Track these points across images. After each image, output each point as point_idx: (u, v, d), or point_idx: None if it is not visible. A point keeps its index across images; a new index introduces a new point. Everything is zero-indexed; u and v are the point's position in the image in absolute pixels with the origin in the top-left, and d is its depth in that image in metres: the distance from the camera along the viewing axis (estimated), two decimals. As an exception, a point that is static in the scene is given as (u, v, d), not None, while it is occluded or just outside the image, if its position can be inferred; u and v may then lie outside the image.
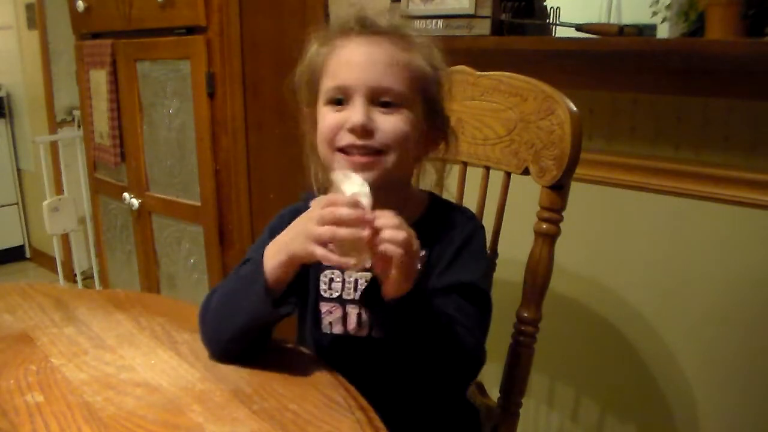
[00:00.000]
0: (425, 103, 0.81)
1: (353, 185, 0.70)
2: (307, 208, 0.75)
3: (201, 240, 1.82)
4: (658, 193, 1.31)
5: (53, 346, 0.83)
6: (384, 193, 0.75)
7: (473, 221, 0.88)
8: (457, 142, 0.90)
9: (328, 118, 0.80)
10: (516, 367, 0.96)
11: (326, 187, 0.84)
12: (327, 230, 0.67)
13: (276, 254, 0.73)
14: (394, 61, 0.78)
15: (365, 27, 0.79)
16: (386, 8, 0.83)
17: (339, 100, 0.79)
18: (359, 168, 0.76)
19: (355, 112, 0.77)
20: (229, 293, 0.79)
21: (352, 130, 0.77)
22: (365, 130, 0.77)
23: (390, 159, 0.78)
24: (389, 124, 0.77)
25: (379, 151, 0.78)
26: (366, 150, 0.77)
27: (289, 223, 0.75)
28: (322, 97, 0.81)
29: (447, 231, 0.83)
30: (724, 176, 1.22)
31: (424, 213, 0.86)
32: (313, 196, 0.85)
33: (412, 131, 0.79)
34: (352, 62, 0.78)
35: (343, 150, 0.78)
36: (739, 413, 1.28)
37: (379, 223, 0.67)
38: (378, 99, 0.78)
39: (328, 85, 0.80)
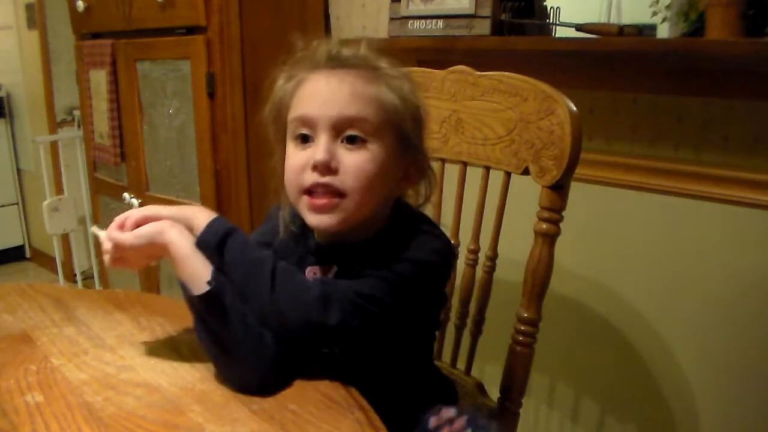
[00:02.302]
0: (397, 138, 0.77)
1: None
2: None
3: (201, 240, 1.81)
4: (658, 193, 1.31)
5: (53, 346, 0.83)
6: (348, 231, 0.78)
7: (426, 253, 0.77)
8: (435, 184, 0.85)
9: (293, 158, 0.77)
10: (516, 367, 0.96)
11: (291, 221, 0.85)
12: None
13: None
14: (359, 92, 0.75)
15: (331, 60, 0.77)
16: (357, 40, 0.81)
17: (305, 136, 0.76)
18: (319, 210, 0.75)
19: (318, 149, 0.74)
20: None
21: (315, 168, 0.74)
22: (327, 168, 0.74)
23: (351, 202, 0.75)
24: (353, 162, 0.74)
25: (340, 194, 0.75)
26: (328, 189, 0.75)
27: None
28: (289, 132, 0.79)
29: (389, 255, 0.77)
30: (724, 176, 1.22)
31: (372, 236, 0.80)
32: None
33: (377, 169, 0.75)
34: (315, 93, 0.76)
35: (308, 191, 0.76)
36: (738, 413, 1.28)
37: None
38: (344, 133, 0.75)
39: (291, 116, 0.78)
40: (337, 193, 0.74)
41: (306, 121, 0.76)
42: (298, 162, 0.76)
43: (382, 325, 0.74)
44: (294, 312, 0.72)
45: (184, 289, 0.74)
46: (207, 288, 0.72)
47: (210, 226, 0.77)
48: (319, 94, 0.76)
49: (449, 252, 0.82)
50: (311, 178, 0.75)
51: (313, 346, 0.76)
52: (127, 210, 0.83)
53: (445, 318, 1.13)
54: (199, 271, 0.74)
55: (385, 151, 0.76)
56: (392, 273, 0.74)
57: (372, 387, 0.74)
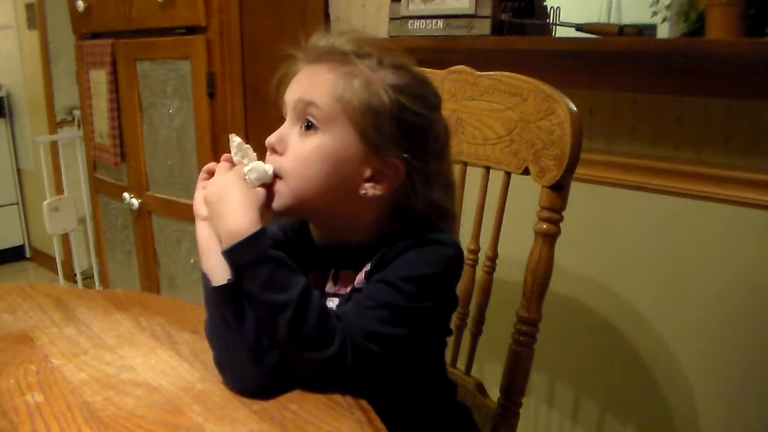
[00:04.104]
0: (361, 135, 0.75)
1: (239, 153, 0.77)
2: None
3: (201, 240, 1.81)
4: (658, 193, 1.31)
5: (53, 346, 0.83)
6: (319, 225, 0.80)
7: (433, 266, 0.75)
8: (416, 198, 0.78)
9: None
10: (516, 367, 0.96)
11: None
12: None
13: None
14: (318, 79, 0.75)
15: (310, 52, 0.78)
16: (341, 32, 0.79)
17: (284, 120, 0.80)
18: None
19: (275, 132, 0.77)
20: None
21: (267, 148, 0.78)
22: (272, 149, 0.77)
23: (285, 186, 0.75)
24: (294, 147, 0.76)
25: (279, 176, 0.76)
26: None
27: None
28: None
29: (395, 268, 0.74)
30: (724, 176, 1.22)
31: (369, 242, 0.78)
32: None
33: (320, 159, 0.74)
34: (293, 80, 0.78)
35: None
36: (738, 413, 1.28)
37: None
38: (303, 118, 0.76)
39: None
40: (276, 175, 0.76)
41: (284, 104, 0.79)
42: None
43: (392, 357, 0.73)
44: (310, 366, 0.71)
45: (204, 279, 0.74)
46: (226, 282, 0.71)
47: (236, 249, 0.71)
48: (294, 80, 0.78)
49: (457, 256, 0.79)
50: (268, 159, 0.78)
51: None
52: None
53: (446, 318, 1.12)
54: (220, 266, 0.72)
55: (335, 144, 0.75)
56: (401, 296, 0.72)
57: (380, 402, 0.73)
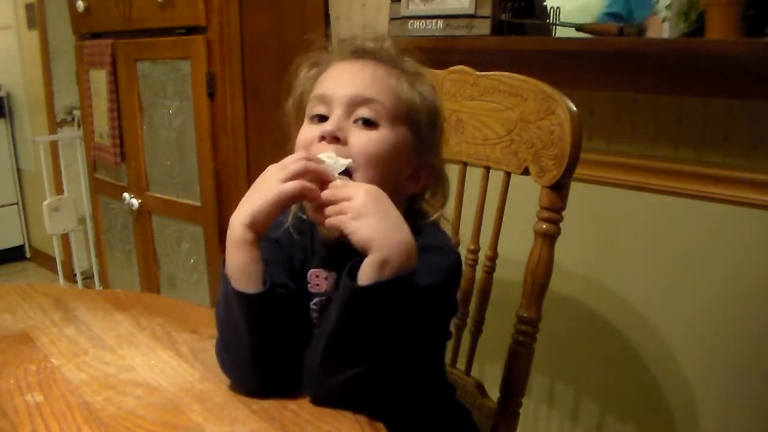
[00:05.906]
0: (412, 133, 0.77)
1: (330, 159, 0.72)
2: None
3: (201, 240, 1.82)
4: (658, 193, 1.31)
5: (53, 346, 0.83)
6: None
7: (436, 276, 0.74)
8: (445, 193, 0.83)
9: (303, 132, 0.77)
10: (516, 367, 0.96)
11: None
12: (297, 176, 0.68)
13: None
14: (379, 78, 0.76)
15: (357, 51, 0.79)
16: (383, 36, 0.81)
17: (322, 117, 0.76)
18: None
19: (329, 122, 0.75)
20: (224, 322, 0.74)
21: (322, 138, 0.74)
22: (334, 138, 0.73)
23: (358, 178, 0.73)
24: (361, 138, 0.74)
25: (346, 169, 0.74)
26: None
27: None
28: (307, 113, 0.79)
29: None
30: (724, 176, 1.22)
31: None
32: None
33: (385, 152, 0.75)
34: (336, 75, 0.78)
35: None
36: (739, 413, 1.28)
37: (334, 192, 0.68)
38: (357, 113, 0.75)
39: (312, 95, 0.78)
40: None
41: (323, 99, 0.77)
42: (308, 135, 0.76)
43: (396, 368, 0.72)
44: (335, 397, 0.70)
45: (225, 280, 0.70)
46: (263, 289, 0.68)
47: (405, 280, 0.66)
48: (340, 75, 0.78)
49: (458, 264, 0.79)
50: (317, 150, 0.74)
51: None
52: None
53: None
54: (252, 272, 0.69)
55: (395, 139, 0.76)
56: (407, 311, 0.71)
57: (380, 404, 0.72)
